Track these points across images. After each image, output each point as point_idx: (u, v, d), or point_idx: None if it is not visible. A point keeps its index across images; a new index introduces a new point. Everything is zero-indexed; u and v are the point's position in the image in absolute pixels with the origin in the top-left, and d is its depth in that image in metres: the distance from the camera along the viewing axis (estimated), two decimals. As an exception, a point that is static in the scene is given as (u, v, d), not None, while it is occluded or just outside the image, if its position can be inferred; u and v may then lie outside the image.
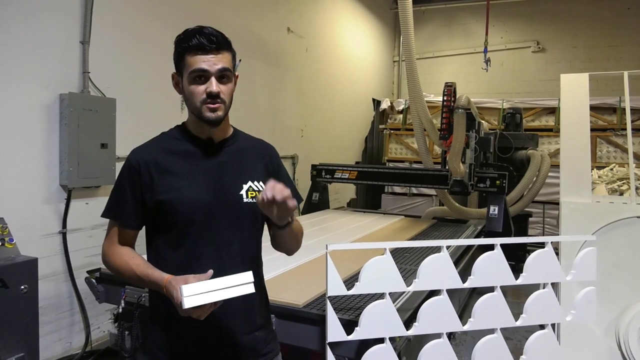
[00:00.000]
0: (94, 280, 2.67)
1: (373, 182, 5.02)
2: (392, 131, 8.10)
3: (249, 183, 1.47)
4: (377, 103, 8.70)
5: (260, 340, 1.54)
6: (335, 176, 4.99)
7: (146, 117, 3.79)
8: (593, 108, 6.97)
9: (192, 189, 1.40)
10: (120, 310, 2.60)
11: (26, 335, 2.02)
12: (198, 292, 1.22)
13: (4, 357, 1.95)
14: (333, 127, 7.34)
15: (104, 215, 1.47)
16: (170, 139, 1.47)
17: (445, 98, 4.48)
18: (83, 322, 3.31)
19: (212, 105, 1.36)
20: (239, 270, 1.30)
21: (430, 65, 9.43)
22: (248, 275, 1.29)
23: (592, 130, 7.13)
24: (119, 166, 3.43)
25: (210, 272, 1.26)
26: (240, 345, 1.46)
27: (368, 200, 8.33)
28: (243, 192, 1.46)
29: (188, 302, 1.19)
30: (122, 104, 3.43)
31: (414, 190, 7.58)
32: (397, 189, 7.74)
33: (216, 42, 1.37)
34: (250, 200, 1.45)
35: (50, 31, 3.04)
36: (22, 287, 2.01)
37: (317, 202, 5.21)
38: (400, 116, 8.04)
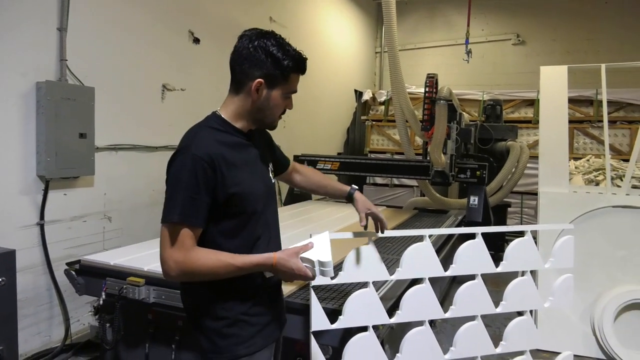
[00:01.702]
0: (73, 273, 2.62)
1: (356, 173, 5.02)
2: (373, 122, 8.12)
3: (270, 166, 1.66)
4: (359, 94, 8.71)
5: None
6: (317, 167, 4.98)
7: (126, 105, 3.73)
8: (570, 100, 7.06)
9: (252, 180, 1.50)
10: (101, 302, 2.57)
11: (4, 328, 1.99)
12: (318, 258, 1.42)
13: (-19, 350, 1.92)
14: (315, 118, 7.33)
15: (174, 220, 1.36)
16: (218, 132, 1.46)
17: (427, 89, 4.50)
18: (62, 315, 3.26)
19: (280, 118, 1.57)
20: (279, 247, 1.62)
21: (412, 57, 9.45)
22: (326, 235, 1.53)
23: (569, 122, 7.26)
24: (98, 156, 3.39)
25: (312, 244, 1.46)
26: (284, 305, 1.76)
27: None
28: (271, 174, 1.65)
29: (322, 272, 1.43)
30: (101, 92, 3.37)
31: (395, 181, 7.63)
32: (379, 180, 7.78)
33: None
34: (274, 181, 1.66)
35: (26, 17, 2.96)
36: (0, 279, 1.97)
37: (299, 193, 5.21)
38: (382, 107, 8.06)
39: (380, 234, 1.85)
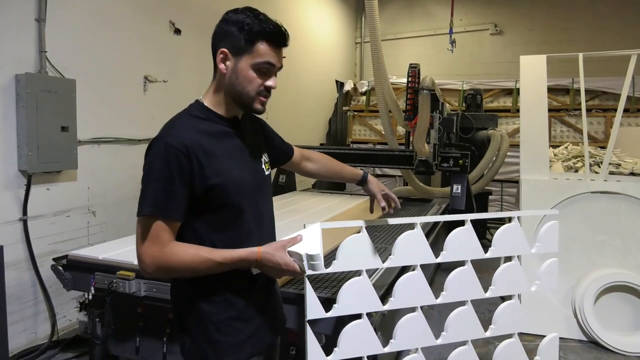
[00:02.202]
0: (60, 268, 2.59)
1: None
2: (355, 113, 8.15)
3: (263, 156, 1.56)
4: (340, 85, 8.72)
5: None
6: (301, 158, 4.98)
7: (108, 98, 3.66)
8: (547, 89, 7.26)
9: (237, 169, 1.39)
10: (90, 297, 2.55)
11: (-6, 325, 1.96)
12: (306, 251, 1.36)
13: (-29, 348, 1.89)
14: (297, 110, 7.31)
15: (147, 213, 1.27)
16: (199, 120, 1.37)
17: (410, 79, 4.53)
18: (48, 312, 3.21)
19: (264, 99, 1.40)
20: (272, 240, 1.51)
21: (391, 47, 9.49)
22: (317, 226, 1.47)
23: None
24: (81, 150, 3.33)
25: (300, 236, 1.40)
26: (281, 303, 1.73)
27: (333, 182, 8.39)
28: (263, 166, 1.54)
29: (311, 266, 1.38)
30: (82, 85, 3.31)
31: (378, 171, 7.69)
32: (362, 170, 7.83)
33: (288, 40, 1.39)
34: (267, 173, 1.57)
35: (3, 7, 2.87)
36: (-12, 275, 1.94)
37: (284, 185, 5.21)
38: (364, 98, 8.09)
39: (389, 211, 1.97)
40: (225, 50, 1.34)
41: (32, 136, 2.95)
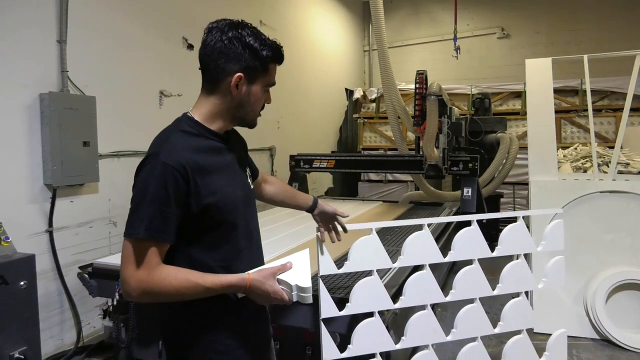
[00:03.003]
0: (86, 276, 2.72)
1: (352, 170, 5.14)
2: (365, 120, 8.25)
3: (247, 170, 1.56)
4: (349, 93, 8.83)
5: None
6: (313, 166, 5.09)
7: (126, 113, 3.82)
8: (556, 91, 7.26)
9: (229, 186, 1.37)
10: (115, 302, 2.67)
11: (27, 329, 2.08)
12: (296, 282, 1.32)
13: (8, 351, 2.01)
14: (308, 118, 7.44)
15: (140, 235, 1.22)
16: (191, 137, 1.34)
17: (417, 85, 4.62)
18: (74, 319, 3.34)
19: (260, 115, 1.46)
20: (262, 257, 1.53)
21: (399, 54, 9.60)
22: (305, 253, 1.45)
23: (556, 112, 7.42)
24: (102, 163, 3.48)
25: (290, 263, 1.36)
26: (270, 324, 1.63)
27: (345, 189, 8.48)
28: (249, 179, 1.54)
29: (300, 298, 1.33)
30: (101, 101, 3.45)
31: (390, 177, 7.76)
32: (373, 176, 7.91)
33: None
34: (252, 187, 1.56)
35: (26, 31, 3.04)
36: (22, 283, 2.06)
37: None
38: (373, 105, 8.19)
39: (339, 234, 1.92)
40: (241, 75, 1.33)
41: (56, 152, 3.10)
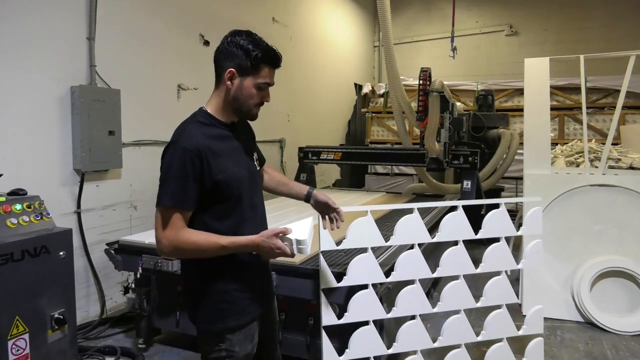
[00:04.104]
0: (112, 251, 3.03)
1: (357, 162, 5.38)
2: (373, 114, 8.47)
3: (254, 155, 1.83)
4: (358, 87, 9.06)
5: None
6: (321, 157, 5.35)
7: (147, 105, 4.11)
8: (561, 88, 7.47)
9: (236, 167, 1.65)
10: (138, 276, 2.97)
11: (65, 294, 2.37)
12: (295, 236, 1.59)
13: (49, 312, 2.31)
14: (317, 112, 7.69)
15: (166, 204, 1.53)
16: (205, 126, 1.62)
17: (421, 82, 4.84)
18: (98, 293, 3.66)
19: (258, 110, 1.70)
20: (266, 226, 1.79)
21: (410, 50, 9.80)
22: (309, 219, 1.69)
23: (559, 109, 7.59)
24: (125, 151, 3.78)
25: (290, 228, 1.60)
26: (271, 281, 1.95)
27: (352, 181, 8.74)
28: (255, 162, 1.81)
29: (299, 249, 1.59)
30: (125, 94, 3.74)
31: (396, 170, 7.99)
32: (380, 169, 8.15)
33: (281, 62, 1.69)
34: (258, 168, 1.83)
35: (60, 29, 3.33)
36: (61, 252, 2.35)
37: (305, 182, 5.57)
38: (381, 99, 8.41)
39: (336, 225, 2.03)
40: (233, 70, 1.60)
41: (85, 140, 3.40)
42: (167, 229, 1.54)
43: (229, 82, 1.62)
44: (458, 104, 5.98)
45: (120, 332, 3.45)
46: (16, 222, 2.27)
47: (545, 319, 3.02)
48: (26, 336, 2.21)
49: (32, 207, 2.39)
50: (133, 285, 3.23)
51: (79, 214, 3.48)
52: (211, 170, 1.56)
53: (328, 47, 8.09)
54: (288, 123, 6.65)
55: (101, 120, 3.52)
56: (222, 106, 1.67)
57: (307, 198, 2.02)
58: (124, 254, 3.01)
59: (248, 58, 1.59)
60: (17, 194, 2.44)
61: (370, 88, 8.51)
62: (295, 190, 2.05)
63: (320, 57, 7.69)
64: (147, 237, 3.01)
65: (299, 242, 1.58)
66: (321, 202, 1.99)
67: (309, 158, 5.39)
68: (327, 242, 2.19)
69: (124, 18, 3.85)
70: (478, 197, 4.81)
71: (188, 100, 4.57)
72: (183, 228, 1.56)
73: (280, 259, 1.76)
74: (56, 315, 2.33)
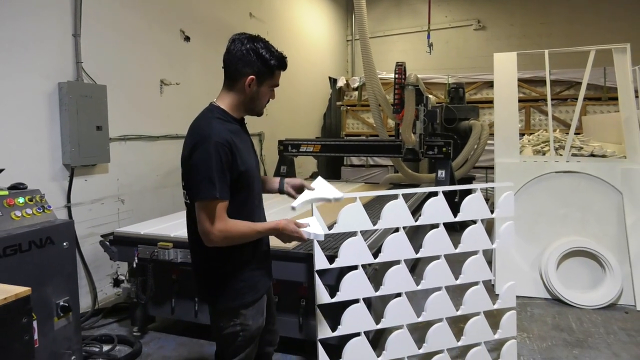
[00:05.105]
0: (107, 243, 3.11)
1: (336, 154, 5.56)
2: (348, 107, 8.67)
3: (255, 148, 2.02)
4: (333, 81, 9.23)
5: None
6: (300, 150, 5.51)
7: (131, 100, 4.17)
8: (527, 81, 7.81)
9: (250, 159, 1.83)
10: (134, 266, 3.07)
11: (69, 282, 2.46)
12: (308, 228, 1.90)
13: (55, 300, 2.40)
14: (294, 106, 7.82)
15: (214, 197, 1.64)
16: (225, 122, 1.77)
17: (396, 76, 5.03)
18: (89, 286, 3.73)
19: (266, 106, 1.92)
20: (264, 216, 1.99)
21: (381, 44, 10.02)
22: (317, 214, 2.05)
23: (525, 101, 7.92)
24: (113, 146, 3.85)
25: (308, 223, 1.91)
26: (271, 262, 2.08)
27: (329, 172, 8.92)
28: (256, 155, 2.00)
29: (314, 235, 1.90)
30: (111, 89, 3.80)
31: (371, 162, 8.21)
32: (356, 161, 8.34)
33: None
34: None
35: (47, 26, 3.37)
36: (64, 243, 2.44)
37: (285, 175, 5.73)
38: (356, 93, 8.61)
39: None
40: (253, 77, 1.77)
41: (73, 135, 3.46)
42: (217, 222, 1.66)
43: (248, 88, 1.78)
44: (431, 96, 6.21)
45: (113, 322, 3.53)
46: (20, 214, 2.35)
47: (516, 296, 3.27)
48: (34, 323, 2.30)
49: (33, 200, 2.47)
50: (124, 277, 3.33)
51: (69, 208, 3.54)
52: (237, 162, 1.72)
53: (303, 41, 8.22)
54: (266, 117, 6.76)
55: (89, 116, 3.58)
56: (236, 104, 1.83)
57: (280, 188, 2.17)
58: (119, 245, 3.10)
59: (266, 67, 1.78)
60: (17, 188, 2.51)
61: (345, 82, 8.69)
62: (269, 185, 2.18)
63: (296, 51, 7.81)
64: (143, 228, 3.11)
65: (315, 235, 1.90)
66: (296, 185, 2.16)
67: (288, 151, 5.54)
68: (321, 228, 2.35)
69: (107, 14, 3.90)
70: (452, 185, 5.06)
71: (171, 95, 4.64)
72: (228, 219, 1.70)
73: (274, 244, 2.02)
74: (61, 303, 2.42)
